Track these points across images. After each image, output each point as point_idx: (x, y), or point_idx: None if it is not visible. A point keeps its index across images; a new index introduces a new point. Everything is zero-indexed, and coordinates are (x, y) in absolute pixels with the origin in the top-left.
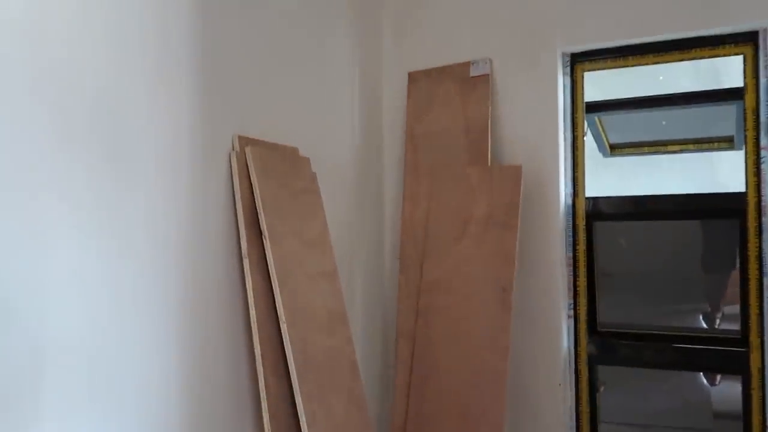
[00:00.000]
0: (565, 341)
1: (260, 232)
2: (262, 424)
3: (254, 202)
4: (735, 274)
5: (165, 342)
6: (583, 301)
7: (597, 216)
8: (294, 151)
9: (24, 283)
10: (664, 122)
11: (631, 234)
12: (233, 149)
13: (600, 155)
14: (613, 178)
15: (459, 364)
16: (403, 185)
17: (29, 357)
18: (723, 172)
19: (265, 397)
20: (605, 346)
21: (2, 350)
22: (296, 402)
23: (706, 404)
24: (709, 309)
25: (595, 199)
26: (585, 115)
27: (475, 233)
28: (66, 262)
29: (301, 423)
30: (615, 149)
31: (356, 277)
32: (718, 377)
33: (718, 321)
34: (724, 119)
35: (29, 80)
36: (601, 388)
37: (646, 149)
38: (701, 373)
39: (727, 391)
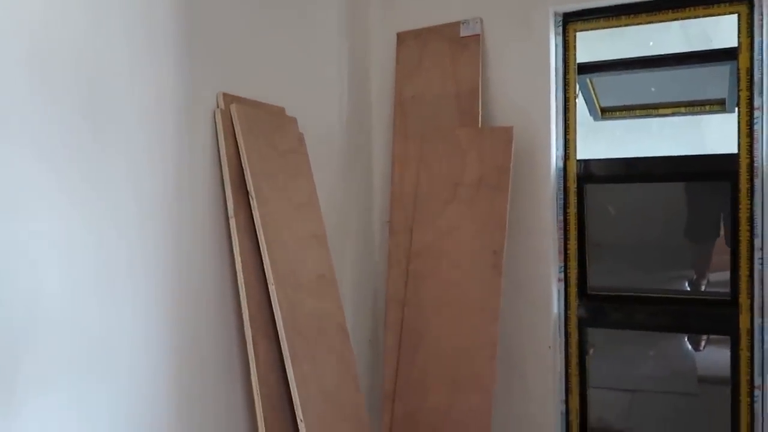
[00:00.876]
0: (555, 304)
1: (247, 193)
2: (252, 388)
3: (240, 161)
4: (721, 241)
5: (153, 306)
6: (573, 264)
7: (588, 179)
8: (281, 110)
9: (2, 248)
10: (653, 89)
11: (622, 199)
12: (218, 107)
13: (590, 121)
14: (601, 146)
15: (449, 329)
16: (392, 149)
17: (8, 327)
18: (712, 139)
19: (254, 359)
20: (595, 309)
21: None
22: (285, 365)
23: (691, 369)
24: (695, 276)
25: (586, 161)
26: (577, 76)
27: (466, 197)
28: (46, 224)
29: (290, 386)
30: (606, 113)
31: (345, 242)
32: (703, 343)
33: (703, 288)
34: (715, 82)
35: (2, 34)
36: (591, 351)
37: (637, 112)
38: (686, 339)
39: (711, 356)
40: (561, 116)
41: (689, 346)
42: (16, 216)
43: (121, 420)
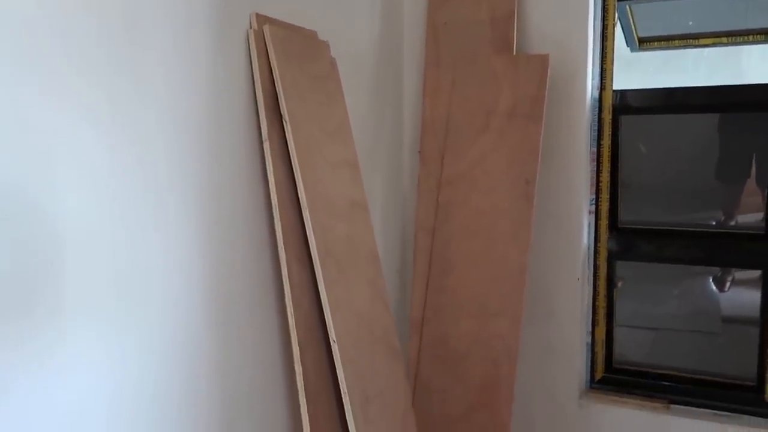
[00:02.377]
0: (585, 237)
1: (280, 116)
2: (286, 312)
3: (274, 84)
4: (752, 182)
5: (187, 228)
6: (605, 197)
7: (624, 110)
8: (313, 34)
9: (35, 166)
10: (691, 23)
11: (657, 133)
12: (251, 27)
13: (623, 55)
14: (634, 82)
15: (479, 258)
16: (423, 77)
17: (48, 248)
18: (751, 75)
19: (288, 283)
20: (625, 242)
21: (20, 240)
22: (319, 288)
23: (715, 309)
24: (723, 217)
25: (622, 92)
26: (616, 2)
27: (499, 126)
28: (81, 142)
29: (324, 310)
30: (644, 43)
31: (375, 171)
32: (728, 284)
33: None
34: (759, 10)
35: None
36: (619, 284)
37: (677, 42)
38: (711, 280)
39: (734, 298)
40: (598, 44)
41: (713, 287)
42: (56, 130)
43: (154, 349)
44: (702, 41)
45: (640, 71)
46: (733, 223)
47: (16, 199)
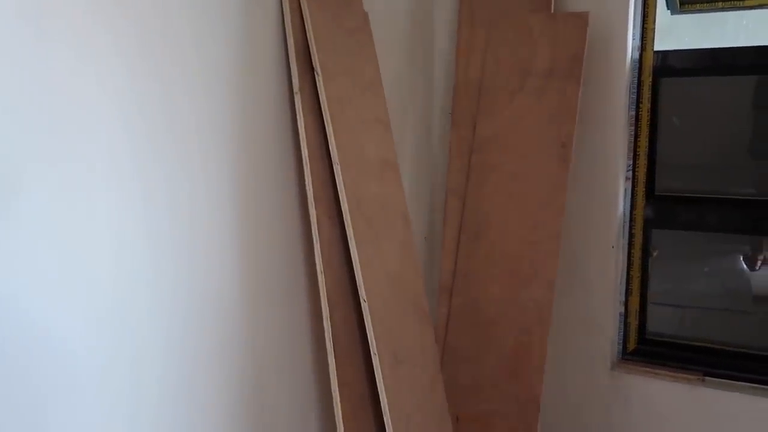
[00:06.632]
0: (621, 204)
1: (312, 68)
2: (315, 270)
3: (305, 35)
4: None
5: (217, 179)
6: (642, 162)
7: (665, 72)
8: None
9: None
10: None
11: (700, 98)
12: None
13: (660, 23)
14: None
15: (511, 223)
16: (457, 36)
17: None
18: None
19: (318, 239)
20: (662, 210)
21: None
22: (350, 246)
23: (746, 287)
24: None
25: (664, 53)
26: None
27: (535, 87)
28: (113, 86)
29: (354, 268)
30: (685, 4)
31: (405, 132)
32: (759, 263)
33: None
34: None
35: None
36: (654, 253)
37: (720, 4)
38: (741, 258)
39: (766, 275)
40: (639, 2)
41: (744, 266)
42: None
43: (182, 305)
44: (748, 2)
45: (676, 41)
46: None
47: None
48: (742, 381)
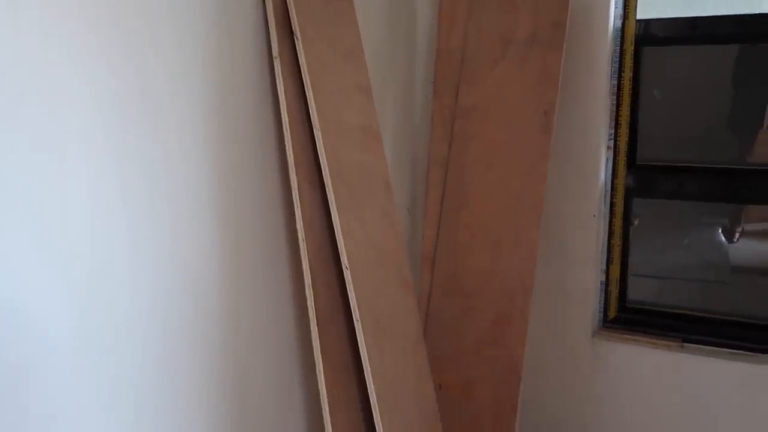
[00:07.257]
0: (603, 173)
1: (291, 33)
2: (296, 235)
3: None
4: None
5: (192, 144)
6: (624, 131)
7: (647, 40)
8: None
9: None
10: None
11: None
12: None
13: None
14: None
15: (494, 191)
16: (438, 4)
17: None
18: None
19: (299, 206)
20: (644, 179)
21: None
22: (331, 213)
23: (725, 259)
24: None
25: (647, 21)
26: None
27: (517, 55)
28: (84, 49)
29: (336, 235)
30: None
31: (387, 102)
32: (737, 235)
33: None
34: None
35: None
36: (635, 222)
37: None
38: (720, 230)
39: (743, 247)
40: None
41: (723, 237)
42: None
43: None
44: None
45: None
46: (753, 159)
47: None
48: (719, 347)
